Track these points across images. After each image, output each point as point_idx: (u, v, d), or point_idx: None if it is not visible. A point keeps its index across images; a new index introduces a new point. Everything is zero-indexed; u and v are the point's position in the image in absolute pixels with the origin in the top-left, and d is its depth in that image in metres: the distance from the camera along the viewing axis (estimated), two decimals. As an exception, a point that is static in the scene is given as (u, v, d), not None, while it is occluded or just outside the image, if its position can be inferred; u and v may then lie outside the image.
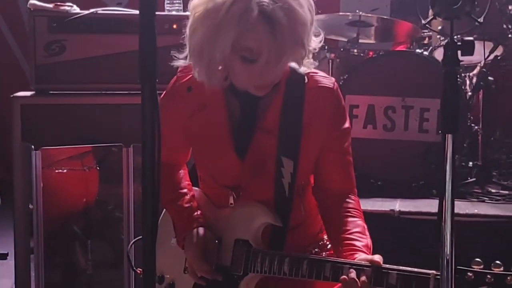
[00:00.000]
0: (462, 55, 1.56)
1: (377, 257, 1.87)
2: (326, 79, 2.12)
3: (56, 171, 3.55)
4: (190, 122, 2.12)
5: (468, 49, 1.55)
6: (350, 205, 2.10)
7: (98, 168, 3.67)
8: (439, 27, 4.47)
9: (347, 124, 2.14)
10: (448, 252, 1.63)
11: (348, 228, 2.03)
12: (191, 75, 2.10)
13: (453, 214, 1.61)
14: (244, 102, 2.07)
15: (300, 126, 2.06)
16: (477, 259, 1.76)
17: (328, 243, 2.26)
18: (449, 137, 1.58)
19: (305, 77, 2.09)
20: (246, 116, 2.08)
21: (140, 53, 1.44)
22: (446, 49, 1.57)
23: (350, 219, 2.06)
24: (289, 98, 2.06)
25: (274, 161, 2.06)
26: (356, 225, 2.04)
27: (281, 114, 2.06)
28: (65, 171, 3.58)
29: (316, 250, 2.23)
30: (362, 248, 1.96)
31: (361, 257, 1.90)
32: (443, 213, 1.61)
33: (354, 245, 1.97)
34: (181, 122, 2.14)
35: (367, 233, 2.04)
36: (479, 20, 1.53)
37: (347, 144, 2.14)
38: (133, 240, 2.54)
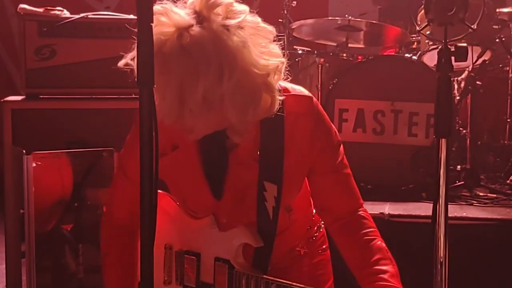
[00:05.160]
0: (456, 61, 1.58)
1: None
2: (304, 99, 1.96)
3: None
4: (161, 163, 1.90)
5: (462, 54, 1.57)
6: (363, 226, 2.00)
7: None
8: (427, 32, 4.50)
9: (336, 139, 2.02)
10: (442, 255, 1.65)
11: (369, 257, 1.94)
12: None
13: (446, 217, 1.63)
14: (212, 139, 1.92)
15: (282, 150, 1.94)
16: None
17: (318, 240, 2.23)
18: (443, 142, 1.60)
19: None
20: (217, 154, 1.97)
21: (138, 57, 1.44)
22: (440, 55, 1.59)
23: (368, 244, 1.97)
24: (267, 124, 1.91)
25: (256, 186, 1.96)
26: (377, 250, 1.95)
27: (260, 142, 1.94)
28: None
29: (305, 250, 2.19)
30: (391, 282, 1.88)
31: None
32: (436, 216, 1.63)
33: (382, 278, 1.89)
34: None
35: (388, 254, 1.96)
36: (472, 26, 1.55)
37: (341, 158, 2.02)
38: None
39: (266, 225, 1.99)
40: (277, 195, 1.96)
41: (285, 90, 1.93)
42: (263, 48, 1.78)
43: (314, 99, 1.99)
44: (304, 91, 1.99)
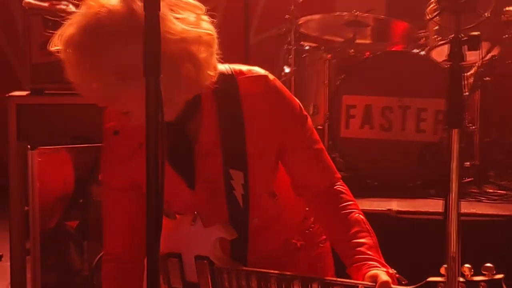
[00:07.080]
0: (468, 50, 1.55)
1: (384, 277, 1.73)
2: (258, 78, 1.91)
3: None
4: (132, 164, 1.94)
5: (475, 43, 1.54)
6: (340, 200, 1.97)
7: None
8: (435, 28, 4.48)
9: (300, 113, 1.97)
10: (454, 250, 1.61)
11: (346, 231, 1.90)
12: (118, 119, 1.94)
13: (458, 209, 1.59)
14: (171, 132, 1.88)
15: (243, 135, 1.90)
16: (467, 265, 1.65)
17: (315, 231, 2.18)
18: (455, 132, 1.56)
19: (236, 81, 1.89)
20: (181, 145, 1.93)
21: (144, 47, 1.42)
22: (452, 44, 1.55)
23: (346, 218, 1.93)
24: (224, 111, 1.89)
25: (222, 176, 1.93)
26: (354, 222, 1.91)
27: (220, 129, 1.90)
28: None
29: (301, 242, 2.14)
30: (368, 253, 1.84)
31: (371, 273, 1.77)
32: (448, 208, 1.59)
33: (360, 251, 1.85)
34: (125, 172, 1.98)
35: (366, 226, 1.92)
36: (485, 14, 1.52)
37: (309, 133, 1.98)
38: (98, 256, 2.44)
39: (237, 215, 1.95)
40: (245, 182, 1.92)
41: (240, 73, 1.91)
42: (182, 17, 1.74)
43: (271, 76, 1.93)
44: (260, 71, 1.94)
